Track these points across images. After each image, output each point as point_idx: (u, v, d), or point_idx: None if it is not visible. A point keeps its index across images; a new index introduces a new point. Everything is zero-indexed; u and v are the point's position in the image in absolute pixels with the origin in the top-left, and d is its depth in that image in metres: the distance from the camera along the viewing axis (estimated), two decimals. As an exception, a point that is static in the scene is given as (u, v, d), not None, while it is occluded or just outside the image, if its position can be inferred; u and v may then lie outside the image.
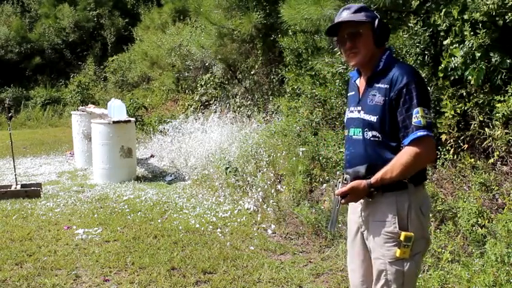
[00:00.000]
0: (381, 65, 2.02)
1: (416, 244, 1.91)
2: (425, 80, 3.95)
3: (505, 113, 3.44)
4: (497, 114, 3.52)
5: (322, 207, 4.27)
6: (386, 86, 1.95)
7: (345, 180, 1.98)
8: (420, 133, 1.86)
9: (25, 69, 17.14)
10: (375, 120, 1.95)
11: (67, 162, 8.65)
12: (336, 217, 2.02)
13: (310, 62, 5.30)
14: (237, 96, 8.63)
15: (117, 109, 7.27)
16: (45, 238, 4.49)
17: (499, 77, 3.57)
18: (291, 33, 5.74)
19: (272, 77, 7.52)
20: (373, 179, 1.91)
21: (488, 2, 3.38)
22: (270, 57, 7.66)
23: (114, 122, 6.87)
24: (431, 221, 3.49)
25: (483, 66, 3.61)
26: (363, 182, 1.92)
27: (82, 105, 11.33)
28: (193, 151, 7.23)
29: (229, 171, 5.70)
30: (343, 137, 4.10)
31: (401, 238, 1.89)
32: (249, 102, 8.17)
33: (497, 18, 3.50)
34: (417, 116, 1.87)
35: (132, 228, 4.74)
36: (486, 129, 3.69)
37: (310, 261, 3.84)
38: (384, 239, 1.94)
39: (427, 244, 2.03)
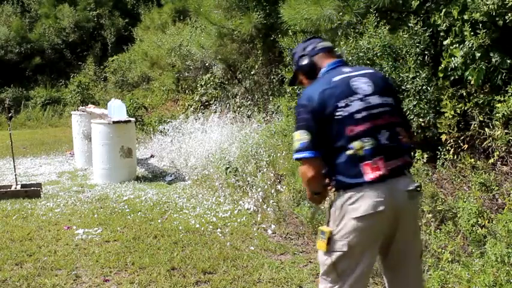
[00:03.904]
0: None
1: (334, 242, 2.04)
2: (425, 80, 3.97)
3: (505, 113, 3.44)
4: (497, 115, 3.53)
5: (322, 207, 4.27)
6: None
7: None
8: (294, 156, 2.11)
9: (25, 70, 17.13)
10: None
11: (67, 163, 8.65)
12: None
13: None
14: (237, 97, 8.63)
15: (117, 109, 7.27)
16: (45, 238, 4.50)
17: (499, 77, 3.58)
18: (291, 33, 5.73)
19: (272, 77, 7.52)
20: None
21: (488, 2, 3.38)
22: (270, 57, 7.65)
23: (114, 122, 6.87)
24: (431, 221, 3.49)
25: (483, 67, 3.61)
26: None
27: (82, 106, 11.32)
28: (193, 151, 7.23)
29: (229, 171, 5.70)
30: None
31: (319, 230, 2.09)
32: (249, 102, 8.17)
33: (497, 19, 3.50)
34: (294, 140, 2.11)
35: (132, 228, 4.73)
36: (486, 129, 3.69)
37: (310, 261, 3.84)
38: None
39: (351, 250, 2.01)
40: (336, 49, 2.33)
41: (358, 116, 2.02)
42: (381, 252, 2.14)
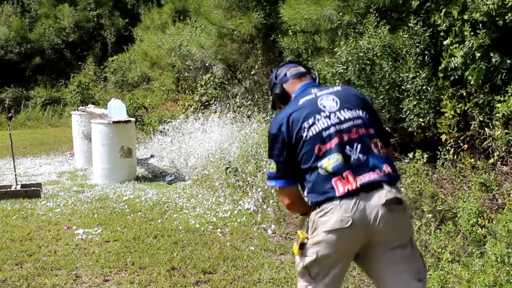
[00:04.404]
0: None
1: (307, 248, 2.07)
2: (426, 80, 3.97)
3: (505, 113, 3.44)
4: (497, 115, 3.53)
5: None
6: None
7: None
8: (267, 182, 2.19)
9: (25, 69, 17.13)
10: None
11: (67, 162, 8.64)
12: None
13: (310, 62, 5.30)
14: (237, 97, 8.63)
15: (117, 109, 7.27)
16: (45, 238, 4.49)
17: (499, 77, 3.58)
18: (291, 33, 5.74)
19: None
20: None
21: (488, 2, 3.38)
22: (270, 57, 7.66)
23: (114, 122, 6.87)
24: (431, 221, 3.49)
25: (483, 67, 3.62)
26: None
27: (82, 106, 11.32)
28: (193, 151, 7.23)
29: (229, 171, 5.70)
30: None
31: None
32: (249, 102, 8.17)
33: (497, 19, 3.51)
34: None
35: (132, 228, 4.73)
36: (486, 129, 3.69)
37: (310, 261, 3.83)
38: None
39: (322, 258, 2.03)
40: (312, 71, 2.34)
41: (325, 133, 2.01)
42: (362, 259, 2.12)
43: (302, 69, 2.29)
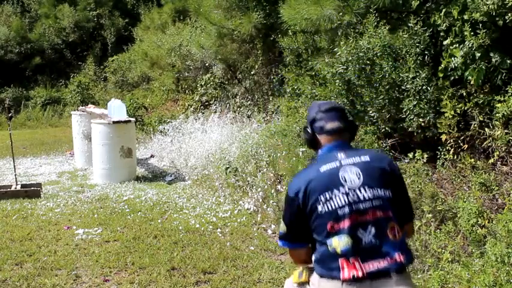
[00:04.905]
0: None
1: None
2: (426, 80, 3.97)
3: (505, 113, 3.44)
4: (497, 115, 3.53)
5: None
6: None
7: None
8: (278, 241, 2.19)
9: (25, 69, 17.12)
10: None
11: (67, 162, 8.64)
12: None
13: (310, 62, 5.30)
14: (237, 97, 8.63)
15: (117, 109, 7.27)
16: (45, 238, 4.50)
17: (499, 77, 3.58)
18: (290, 33, 5.74)
19: (272, 77, 7.52)
20: None
21: (488, 2, 3.38)
22: (270, 57, 7.66)
23: (114, 122, 6.87)
24: (431, 221, 3.50)
25: (483, 67, 3.62)
26: None
27: (82, 105, 11.32)
28: (193, 151, 7.24)
29: (229, 171, 5.70)
30: None
31: (303, 268, 2.15)
32: (249, 102, 8.17)
33: (497, 19, 3.51)
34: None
35: (132, 228, 4.73)
36: (486, 129, 3.69)
37: (310, 261, 3.84)
38: None
39: None
40: (352, 123, 2.18)
41: (340, 212, 1.92)
42: None
43: (340, 125, 2.11)
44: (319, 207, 1.94)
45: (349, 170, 1.99)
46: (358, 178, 1.97)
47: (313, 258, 2.04)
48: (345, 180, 1.96)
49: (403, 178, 2.16)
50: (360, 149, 2.28)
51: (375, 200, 1.95)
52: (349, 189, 1.95)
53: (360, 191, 1.95)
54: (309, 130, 2.18)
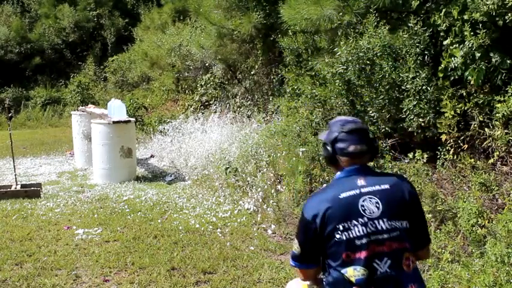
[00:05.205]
0: None
1: None
2: (425, 80, 3.97)
3: (505, 113, 3.44)
4: (497, 115, 3.53)
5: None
6: None
7: None
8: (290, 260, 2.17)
9: (25, 69, 17.13)
10: None
11: (67, 162, 8.65)
12: None
13: (310, 62, 5.30)
14: (237, 97, 8.63)
15: (117, 109, 7.27)
16: (45, 238, 4.49)
17: (499, 77, 3.58)
18: (291, 34, 5.74)
19: (272, 77, 7.52)
20: None
21: (488, 2, 3.38)
22: (270, 57, 7.65)
23: (114, 122, 6.87)
24: (431, 221, 3.50)
25: (483, 67, 3.62)
26: None
27: (82, 106, 11.32)
28: (193, 151, 7.24)
29: (229, 172, 5.70)
30: None
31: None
32: (249, 102, 8.17)
33: (497, 19, 3.51)
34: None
35: (132, 229, 4.73)
36: (486, 129, 3.69)
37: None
38: None
39: None
40: (374, 144, 2.12)
41: (358, 242, 1.92)
42: None
43: (363, 149, 2.06)
44: (337, 236, 1.93)
45: (369, 199, 1.97)
46: (378, 208, 1.95)
47: (324, 279, 2.03)
48: (364, 211, 1.95)
49: (420, 204, 2.15)
50: (380, 173, 2.23)
51: (393, 232, 1.94)
52: (368, 219, 1.93)
53: (378, 222, 1.94)
54: (329, 148, 2.11)
